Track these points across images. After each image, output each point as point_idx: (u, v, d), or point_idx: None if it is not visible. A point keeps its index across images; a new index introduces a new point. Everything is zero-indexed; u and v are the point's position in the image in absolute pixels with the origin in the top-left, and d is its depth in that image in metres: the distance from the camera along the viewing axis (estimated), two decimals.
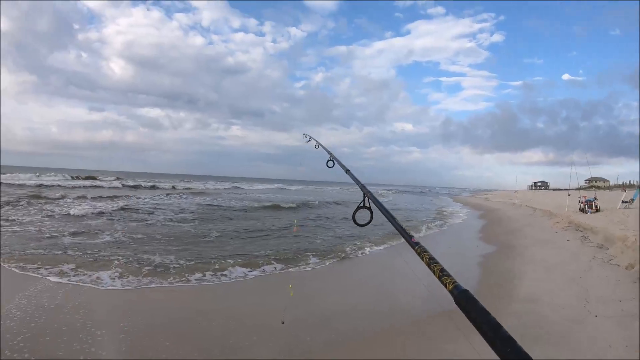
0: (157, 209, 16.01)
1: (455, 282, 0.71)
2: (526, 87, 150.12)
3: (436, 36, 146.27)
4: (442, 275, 0.75)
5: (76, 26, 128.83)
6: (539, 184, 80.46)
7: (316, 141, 3.14)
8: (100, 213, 13.33)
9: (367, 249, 9.40)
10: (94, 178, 36.76)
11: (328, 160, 2.49)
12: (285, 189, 48.04)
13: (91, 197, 19.09)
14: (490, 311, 0.60)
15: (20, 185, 25.05)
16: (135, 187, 32.20)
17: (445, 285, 0.72)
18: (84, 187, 28.10)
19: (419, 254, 0.86)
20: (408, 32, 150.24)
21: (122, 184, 32.61)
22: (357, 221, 1.44)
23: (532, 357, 0.51)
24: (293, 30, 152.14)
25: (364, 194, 1.42)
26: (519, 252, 9.02)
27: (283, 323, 3.74)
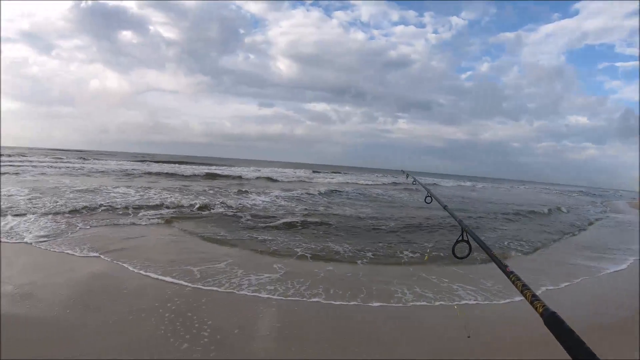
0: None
1: (545, 305, 0.77)
2: None
3: (607, 15, 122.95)
4: (534, 299, 0.81)
5: (242, 31, 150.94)
6: None
7: (414, 178, 3.38)
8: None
9: None
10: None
11: (426, 197, 2.63)
12: (475, 185, 43.02)
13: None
14: None
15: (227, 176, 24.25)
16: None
17: (536, 308, 0.79)
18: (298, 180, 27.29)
19: (513, 282, 0.93)
20: (576, 13, 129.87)
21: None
22: (456, 254, 1.46)
23: None
24: (454, 19, 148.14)
25: (461, 228, 1.44)
26: None
27: (469, 337, 3.41)
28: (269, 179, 25.26)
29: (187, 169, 27.65)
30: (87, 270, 4.72)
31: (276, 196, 14.10)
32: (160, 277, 4.56)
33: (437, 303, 4.41)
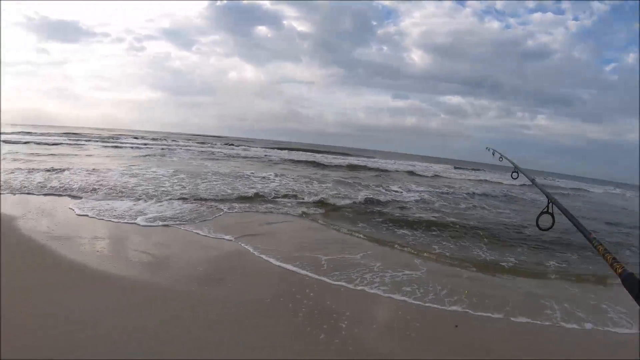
0: None
1: (624, 267, 0.85)
2: None
3: None
4: (613, 262, 0.90)
5: (374, 22, 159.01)
6: None
7: (500, 154, 3.33)
8: None
9: None
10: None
11: (512, 172, 2.77)
12: (624, 193, 34.93)
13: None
14: None
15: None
16: None
17: (615, 270, 0.87)
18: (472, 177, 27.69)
19: (595, 247, 1.03)
20: None
21: None
22: (540, 226, 1.55)
23: None
24: (595, 4, 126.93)
25: (548, 200, 1.52)
26: None
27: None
28: (410, 172, 24.99)
29: (325, 159, 28.78)
30: (221, 252, 5.20)
31: (418, 191, 14.24)
32: (293, 268, 4.79)
33: (587, 325, 4.11)
